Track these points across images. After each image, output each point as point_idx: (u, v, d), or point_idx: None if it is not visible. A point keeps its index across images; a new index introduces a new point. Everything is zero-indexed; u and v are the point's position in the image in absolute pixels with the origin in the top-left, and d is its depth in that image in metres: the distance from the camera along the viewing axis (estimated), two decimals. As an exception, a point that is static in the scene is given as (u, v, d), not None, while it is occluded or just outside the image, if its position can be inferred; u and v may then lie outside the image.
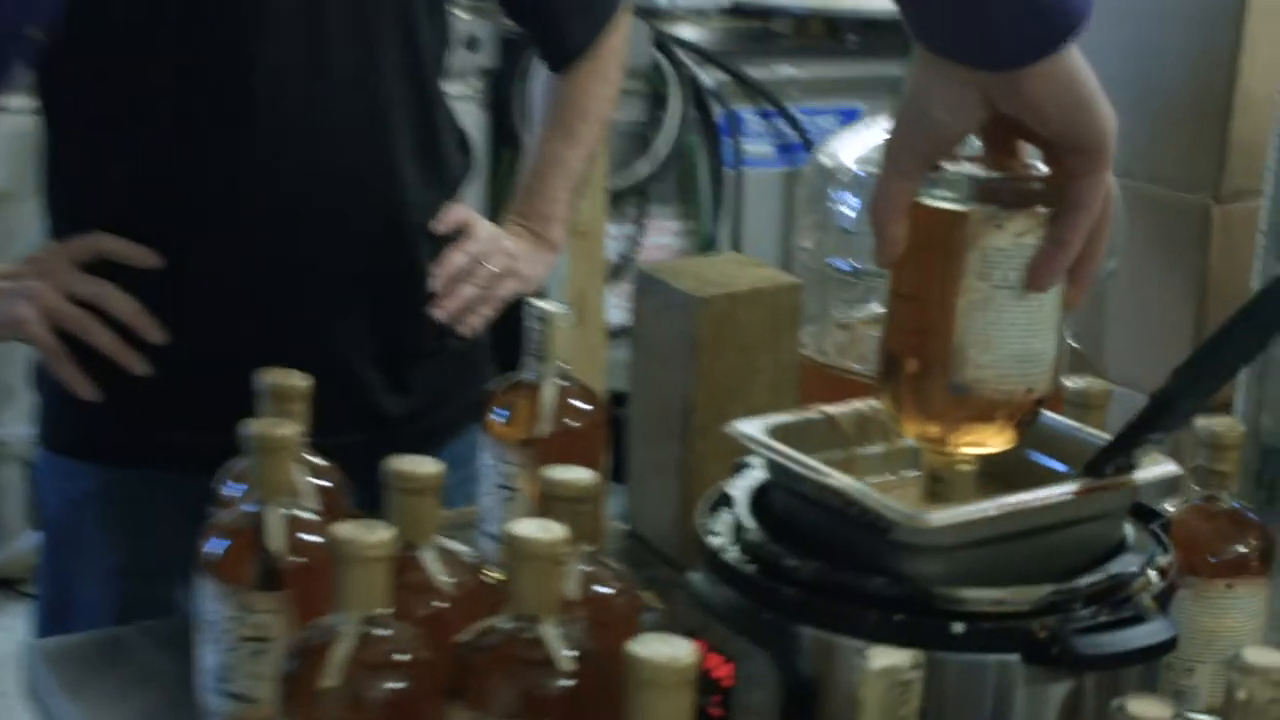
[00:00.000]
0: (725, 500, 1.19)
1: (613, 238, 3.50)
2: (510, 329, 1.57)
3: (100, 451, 1.71)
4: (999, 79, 1.06)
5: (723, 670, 1.10)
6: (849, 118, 3.76)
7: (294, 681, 1.07)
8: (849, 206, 1.71)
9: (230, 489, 1.33)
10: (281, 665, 1.10)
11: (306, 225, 1.66)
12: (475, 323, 1.79)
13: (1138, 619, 1.06)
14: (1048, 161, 1.11)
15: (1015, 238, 1.08)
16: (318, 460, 1.33)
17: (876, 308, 1.60)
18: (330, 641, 1.05)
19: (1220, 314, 2.66)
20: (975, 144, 1.12)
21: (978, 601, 1.05)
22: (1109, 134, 1.07)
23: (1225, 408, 2.50)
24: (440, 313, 1.76)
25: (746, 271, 1.56)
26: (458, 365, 1.80)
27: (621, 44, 1.95)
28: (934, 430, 1.13)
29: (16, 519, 3.54)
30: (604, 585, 1.19)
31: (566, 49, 1.91)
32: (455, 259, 1.77)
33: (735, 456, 1.22)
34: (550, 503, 1.16)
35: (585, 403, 1.43)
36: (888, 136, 1.11)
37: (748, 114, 3.75)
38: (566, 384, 1.42)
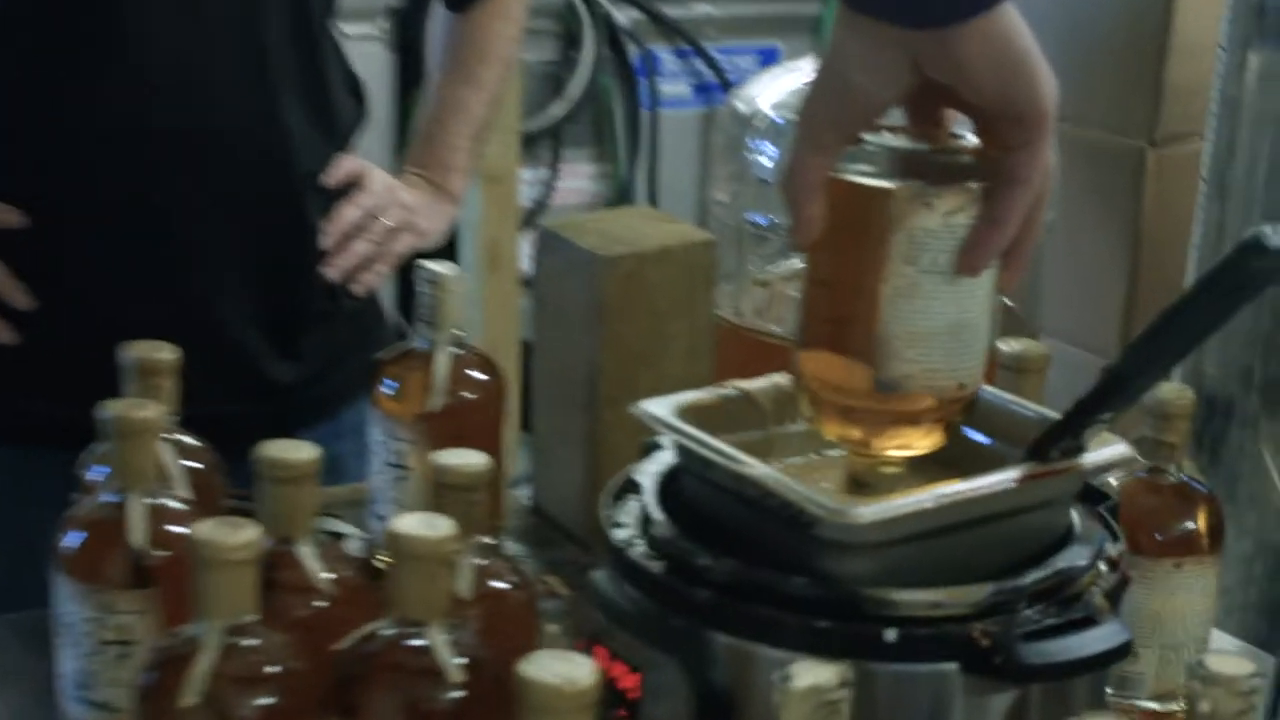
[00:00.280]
0: (632, 487, 1.10)
1: (526, 182, 3.47)
2: (411, 287, 1.49)
3: (-34, 425, 1.64)
4: (927, 38, 0.97)
5: (628, 680, 1.03)
6: (769, 58, 3.74)
7: (152, 697, 0.99)
8: (767, 156, 1.66)
9: (95, 473, 1.24)
10: (138, 678, 1.02)
11: (183, 178, 1.59)
12: (370, 281, 1.74)
13: (1088, 621, 0.99)
14: (980, 132, 1.02)
15: (945, 217, 0.99)
16: (189, 440, 1.26)
17: (797, 263, 1.53)
18: (191, 652, 0.97)
19: (1155, 261, 2.70)
20: (896, 114, 1.03)
21: (911, 605, 0.97)
22: (1049, 101, 0.98)
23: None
24: (332, 271, 1.70)
25: (656, 227, 1.49)
26: (351, 328, 1.74)
27: (525, -20, 1.88)
28: (856, 433, 1.05)
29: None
30: (499, 580, 1.13)
31: (464, -14, 1.84)
32: (347, 213, 1.71)
33: (645, 431, 1.13)
34: (441, 490, 1.10)
35: (483, 373, 1.34)
36: (802, 106, 1.01)
37: (664, 54, 3.72)
38: (462, 353, 1.33)
